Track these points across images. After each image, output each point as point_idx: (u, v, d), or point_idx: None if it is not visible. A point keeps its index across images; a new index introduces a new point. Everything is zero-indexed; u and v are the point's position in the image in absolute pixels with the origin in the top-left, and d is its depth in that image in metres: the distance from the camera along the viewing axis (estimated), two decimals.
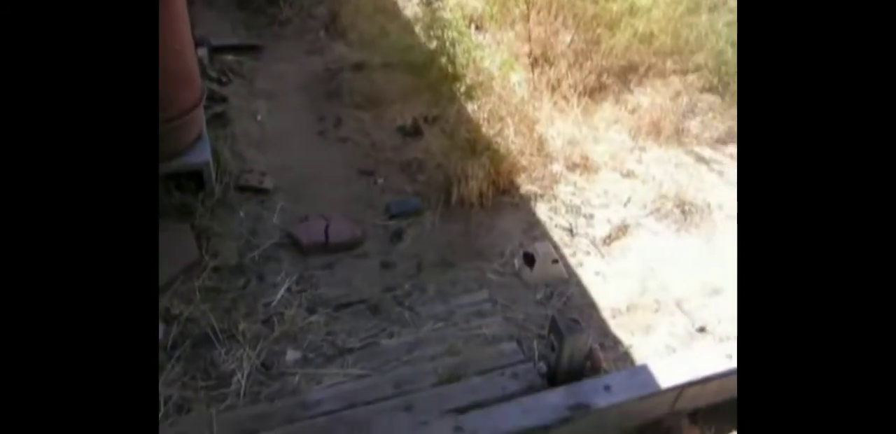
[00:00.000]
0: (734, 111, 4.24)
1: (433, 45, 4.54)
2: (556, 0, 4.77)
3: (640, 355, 2.91)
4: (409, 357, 2.82)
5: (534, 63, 4.51)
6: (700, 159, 3.89)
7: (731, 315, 3.09)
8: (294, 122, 4.17)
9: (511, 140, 3.78)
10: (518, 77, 4.33)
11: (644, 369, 2.78)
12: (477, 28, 4.82)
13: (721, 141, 4.05)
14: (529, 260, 3.21)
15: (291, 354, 2.83)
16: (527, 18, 4.69)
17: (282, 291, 3.07)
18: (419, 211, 3.46)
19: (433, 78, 4.34)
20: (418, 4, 5.08)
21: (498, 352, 2.85)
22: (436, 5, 5.02)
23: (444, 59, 4.39)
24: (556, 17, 4.75)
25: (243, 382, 2.69)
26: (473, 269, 3.19)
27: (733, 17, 4.54)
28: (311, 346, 2.86)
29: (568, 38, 4.63)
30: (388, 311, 3.00)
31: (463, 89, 4.19)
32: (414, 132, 3.99)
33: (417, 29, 4.77)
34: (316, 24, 5.08)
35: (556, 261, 3.22)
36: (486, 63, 4.40)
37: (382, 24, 4.92)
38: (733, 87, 4.41)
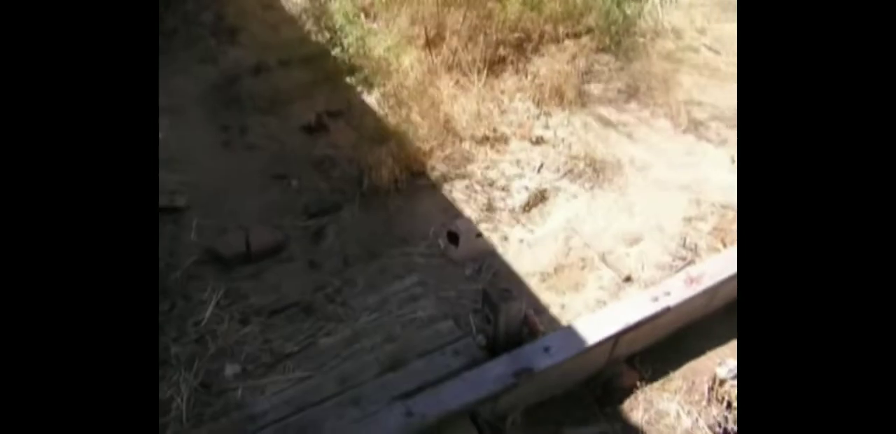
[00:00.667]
0: (630, 69, 4.37)
1: (326, 37, 4.50)
2: None
3: (574, 312, 3.02)
4: (349, 352, 2.84)
5: (429, 44, 4.51)
6: (603, 118, 4.00)
7: (652, 261, 3.23)
8: (198, 136, 4.06)
9: (418, 123, 3.80)
10: (414, 59, 4.33)
11: (579, 326, 2.88)
12: (367, 16, 4.77)
13: (622, 98, 4.17)
14: (453, 238, 3.25)
15: (230, 369, 2.80)
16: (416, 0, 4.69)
17: (210, 308, 3.02)
18: (338, 206, 3.45)
19: (331, 71, 4.30)
20: None
21: (436, 332, 2.90)
22: None
23: (338, 51, 4.35)
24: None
25: (184, 407, 2.65)
26: (400, 255, 3.22)
27: None
28: (250, 357, 2.83)
29: (459, 16, 4.65)
30: (321, 310, 3.00)
31: (362, 79, 4.17)
32: (320, 129, 3.95)
33: (308, 23, 4.71)
34: (204, 31, 4.93)
35: (479, 235, 3.27)
36: (382, 50, 4.38)
37: (272, 22, 4.83)
38: (625, 44, 4.54)
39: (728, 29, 4.81)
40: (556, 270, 3.17)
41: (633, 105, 4.14)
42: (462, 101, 4.03)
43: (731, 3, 5.11)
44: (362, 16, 4.78)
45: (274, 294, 3.08)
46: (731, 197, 3.58)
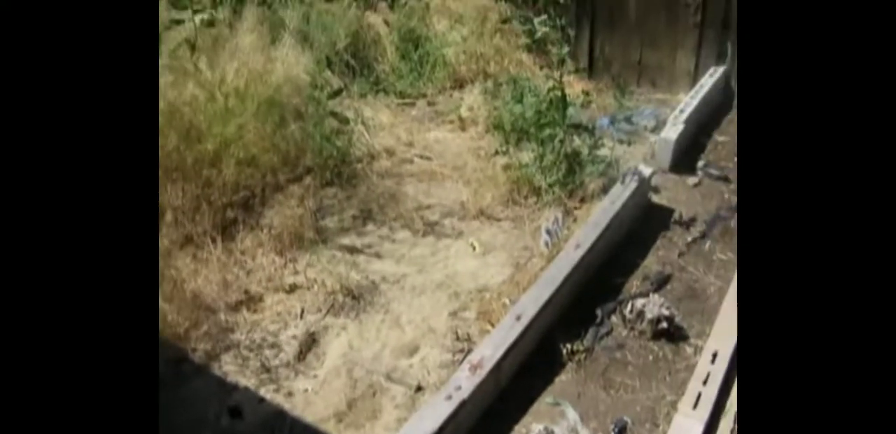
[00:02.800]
0: (357, 195, 5.22)
1: None
2: None
3: None
4: None
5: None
6: (347, 247, 4.70)
7: (435, 364, 3.78)
8: None
9: (165, 310, 4.11)
10: None
11: None
12: None
13: (359, 224, 4.93)
14: (236, 412, 3.52)
15: None
16: None
17: None
18: None
19: None
20: None
21: None
22: None
23: None
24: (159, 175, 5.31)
25: None
26: None
27: (318, 119, 5.59)
28: None
29: (178, 191, 5.20)
30: None
31: None
32: None
33: None
34: None
35: (261, 400, 3.58)
36: None
37: None
38: (345, 173, 5.44)
39: (431, 137, 6.01)
40: (349, 406, 3.56)
41: (370, 227, 4.91)
42: (205, 274, 4.46)
43: (426, 116, 6.40)
44: None
45: None
46: (482, 280, 4.38)
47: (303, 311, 4.15)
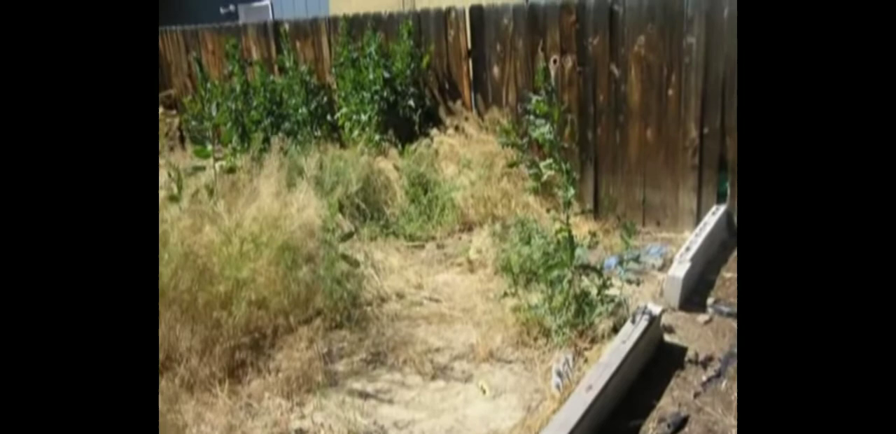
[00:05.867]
0: (367, 338, 5.54)
1: None
2: (162, 297, 5.76)
3: None
4: None
5: (162, 369, 5.23)
6: (356, 391, 4.92)
7: None
8: None
9: None
10: None
11: None
12: None
13: (369, 367, 5.20)
14: None
15: None
16: None
17: None
18: None
19: None
20: None
21: None
22: None
23: None
24: (167, 316, 5.68)
25: None
26: None
27: (329, 262, 6.07)
28: None
29: (188, 333, 5.54)
30: None
31: None
32: None
33: None
34: None
35: None
36: None
37: None
38: (355, 316, 5.80)
39: (440, 279, 6.44)
40: None
41: (381, 370, 5.17)
42: (210, 419, 4.66)
43: (434, 259, 6.90)
44: None
45: None
46: (493, 424, 4.54)
47: None
